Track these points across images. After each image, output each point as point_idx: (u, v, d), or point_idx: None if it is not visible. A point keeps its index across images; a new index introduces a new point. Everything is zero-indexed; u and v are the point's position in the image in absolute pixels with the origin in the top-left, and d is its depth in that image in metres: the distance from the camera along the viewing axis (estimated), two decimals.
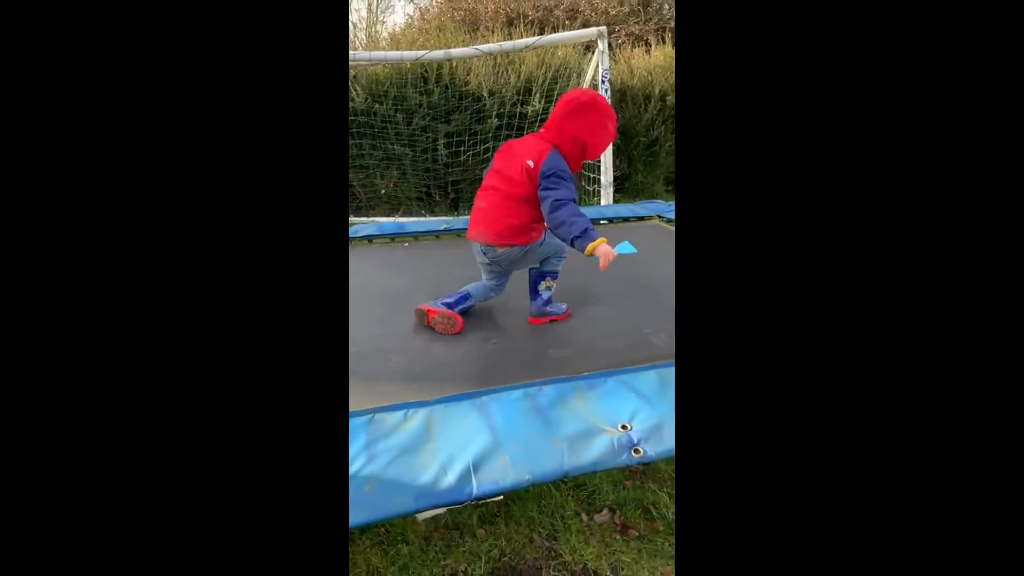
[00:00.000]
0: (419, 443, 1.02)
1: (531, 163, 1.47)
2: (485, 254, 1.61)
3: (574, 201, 1.42)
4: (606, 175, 3.81)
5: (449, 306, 1.63)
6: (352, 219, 4.07)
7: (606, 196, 3.82)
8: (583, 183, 4.26)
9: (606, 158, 3.76)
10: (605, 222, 2.67)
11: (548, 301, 1.70)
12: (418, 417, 1.09)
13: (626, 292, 1.88)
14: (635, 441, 1.01)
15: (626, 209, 2.75)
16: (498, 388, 1.20)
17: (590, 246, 1.36)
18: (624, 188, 4.78)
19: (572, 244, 1.40)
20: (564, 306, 1.75)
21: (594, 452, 0.99)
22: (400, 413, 1.10)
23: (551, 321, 1.71)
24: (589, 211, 2.76)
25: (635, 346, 1.49)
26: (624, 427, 1.05)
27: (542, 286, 1.67)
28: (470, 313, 1.73)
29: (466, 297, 1.68)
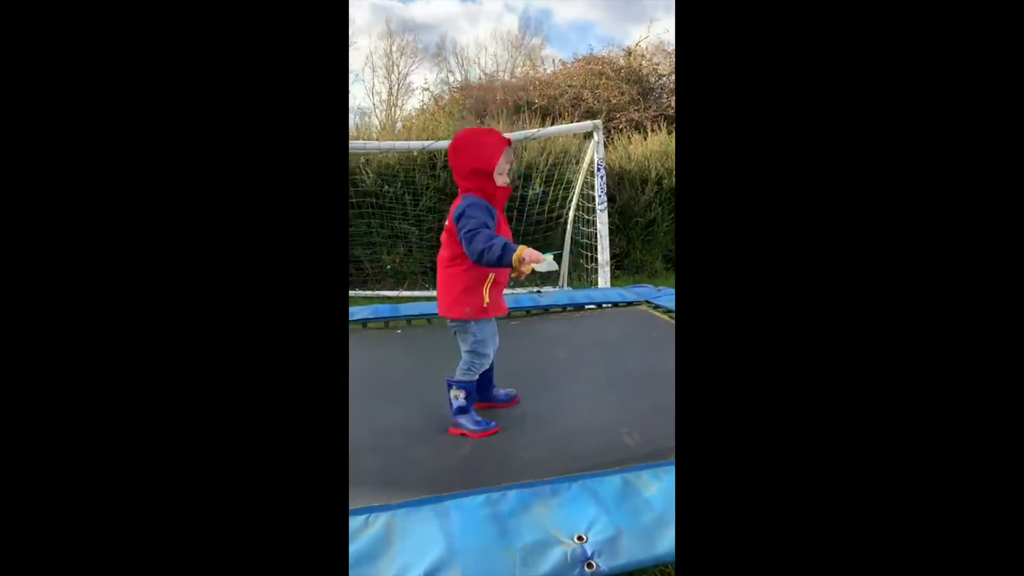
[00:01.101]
0: (378, 551, 1.04)
1: (447, 223, 1.57)
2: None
3: (486, 226, 1.46)
4: (603, 254, 3.93)
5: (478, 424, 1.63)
6: (358, 292, 4.22)
7: (603, 275, 3.92)
8: (581, 261, 4.38)
9: (603, 239, 3.90)
10: (592, 307, 2.74)
11: (461, 411, 1.62)
12: (379, 522, 1.11)
13: (607, 384, 1.91)
14: (589, 555, 1.02)
15: (615, 294, 2.83)
16: (462, 493, 1.22)
17: (515, 255, 1.40)
18: (624, 265, 4.90)
19: (500, 263, 1.43)
20: (487, 424, 1.62)
21: (546, 566, 1.00)
22: (362, 518, 1.12)
23: (463, 435, 1.60)
24: (579, 294, 2.84)
25: (609, 447, 1.49)
26: (580, 538, 1.06)
27: (451, 394, 1.63)
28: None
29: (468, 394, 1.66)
